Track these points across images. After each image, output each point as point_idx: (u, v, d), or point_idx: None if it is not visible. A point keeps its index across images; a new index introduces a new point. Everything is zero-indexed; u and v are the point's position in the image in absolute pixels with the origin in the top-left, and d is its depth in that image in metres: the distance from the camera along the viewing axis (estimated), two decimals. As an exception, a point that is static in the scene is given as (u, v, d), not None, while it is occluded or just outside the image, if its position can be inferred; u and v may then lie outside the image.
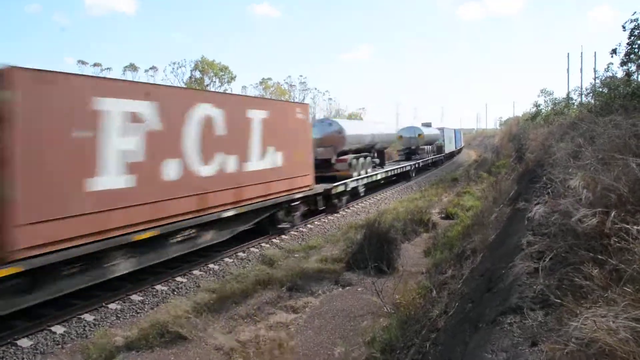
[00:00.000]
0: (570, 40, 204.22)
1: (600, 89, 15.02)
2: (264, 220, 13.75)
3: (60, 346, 7.57)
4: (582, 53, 30.51)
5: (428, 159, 37.49)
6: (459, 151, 60.94)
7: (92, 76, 10.61)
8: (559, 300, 3.08)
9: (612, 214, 3.48)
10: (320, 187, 16.89)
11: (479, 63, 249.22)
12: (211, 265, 11.57)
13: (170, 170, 9.74)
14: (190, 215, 10.27)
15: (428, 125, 44.35)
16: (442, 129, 46.22)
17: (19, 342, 7.45)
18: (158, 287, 10.02)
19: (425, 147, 37.43)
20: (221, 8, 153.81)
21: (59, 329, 7.97)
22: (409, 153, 35.83)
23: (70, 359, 7.03)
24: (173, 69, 63.12)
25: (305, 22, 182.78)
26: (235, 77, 63.07)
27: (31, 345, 7.46)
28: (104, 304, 8.97)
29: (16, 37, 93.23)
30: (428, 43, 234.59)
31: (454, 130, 57.91)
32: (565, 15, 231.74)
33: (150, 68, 63.83)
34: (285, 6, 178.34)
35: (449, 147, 48.29)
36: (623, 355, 2.31)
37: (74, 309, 8.59)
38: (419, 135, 36.38)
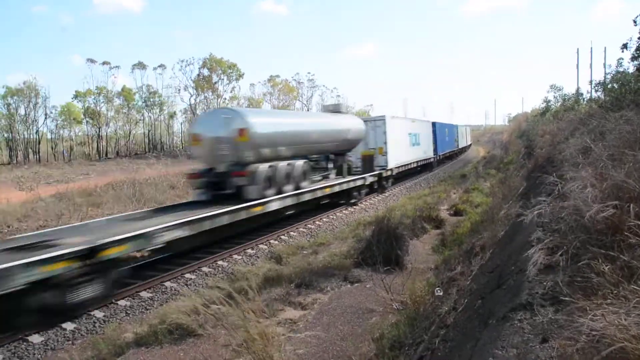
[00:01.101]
0: (578, 34, 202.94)
1: (611, 85, 14.90)
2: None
3: (70, 342, 7.63)
4: (591, 49, 30.22)
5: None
6: (453, 154, 46.42)
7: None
8: (569, 297, 3.06)
9: (631, 208, 3.45)
10: None
11: (486, 58, 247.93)
12: (220, 262, 11.62)
13: None
14: None
15: (334, 109, 22.45)
16: (380, 120, 24.79)
17: (30, 338, 7.53)
18: (167, 283, 10.08)
19: (267, 166, 14.36)
20: (227, 5, 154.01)
21: (69, 325, 8.03)
22: (214, 186, 14.15)
23: (81, 355, 7.07)
24: (181, 66, 63.45)
25: (310, 19, 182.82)
26: (243, 74, 63.34)
27: (42, 341, 7.53)
28: (113, 301, 9.03)
29: (23, 37, 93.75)
30: (433, 39, 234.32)
31: (433, 124, 37.25)
32: (572, 7, 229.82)
33: (159, 66, 64.20)
34: (290, 2, 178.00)
35: (404, 156, 27.12)
36: (634, 351, 2.29)
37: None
38: (241, 134, 13.73)
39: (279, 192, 14.75)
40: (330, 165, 20.32)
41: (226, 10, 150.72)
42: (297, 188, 15.74)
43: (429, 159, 34.62)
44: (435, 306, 6.24)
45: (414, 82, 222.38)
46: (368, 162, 22.23)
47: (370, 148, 23.55)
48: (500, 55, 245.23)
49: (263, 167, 14.14)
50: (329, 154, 20.33)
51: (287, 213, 15.67)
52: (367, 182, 21.27)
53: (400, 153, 26.23)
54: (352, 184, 19.60)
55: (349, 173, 21.00)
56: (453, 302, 5.83)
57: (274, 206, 14.11)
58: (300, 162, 16.35)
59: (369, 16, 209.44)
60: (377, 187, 23.19)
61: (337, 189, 18.27)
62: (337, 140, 19.78)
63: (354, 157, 22.37)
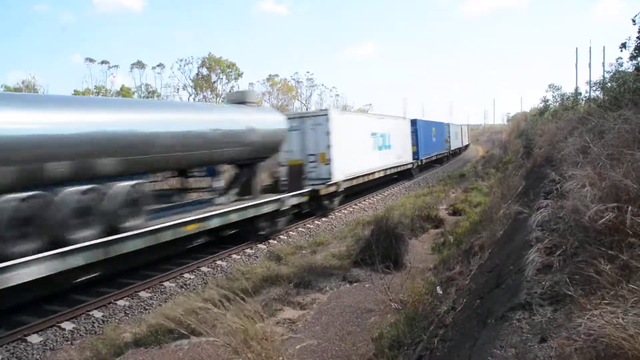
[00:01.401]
0: (578, 34, 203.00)
1: (610, 84, 14.91)
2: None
3: (69, 342, 7.63)
4: (590, 48, 30.16)
5: None
6: (442, 158, 40.37)
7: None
8: (568, 296, 3.06)
9: (629, 210, 3.45)
10: None
11: (486, 58, 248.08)
12: (219, 262, 11.61)
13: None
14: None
15: (239, 99, 14.69)
16: (321, 116, 18.19)
17: (28, 338, 7.52)
18: (166, 283, 10.07)
19: (18, 199, 7.47)
20: (227, 5, 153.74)
21: (68, 326, 8.03)
22: None
23: (80, 355, 7.07)
24: (180, 66, 63.27)
25: (310, 19, 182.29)
26: (242, 73, 63.12)
27: (41, 341, 7.52)
28: (112, 301, 9.03)
29: (23, 35, 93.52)
30: (432, 39, 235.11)
31: (413, 122, 31.04)
32: (571, 7, 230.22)
33: (158, 65, 63.88)
34: (290, 2, 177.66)
35: (362, 164, 20.67)
36: (632, 351, 2.29)
37: (83, 305, 8.65)
38: None
39: (55, 244, 8.01)
40: (220, 184, 13.67)
41: (226, 10, 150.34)
42: (114, 231, 9.08)
43: (406, 164, 27.98)
44: (434, 306, 6.25)
45: (414, 82, 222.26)
46: (295, 176, 16.26)
47: (310, 154, 17.65)
48: (499, 55, 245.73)
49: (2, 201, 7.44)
50: (218, 166, 13.47)
51: (79, 280, 8.91)
52: (287, 206, 14.43)
53: (354, 160, 19.60)
54: (253, 212, 12.87)
55: (275, 190, 15.65)
56: (452, 301, 5.84)
57: (20, 277, 7.27)
58: (121, 186, 9.38)
59: (369, 16, 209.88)
60: (314, 209, 17.06)
61: (216, 222, 11.61)
62: (231, 146, 12.54)
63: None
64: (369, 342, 6.24)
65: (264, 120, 14.47)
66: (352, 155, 19.31)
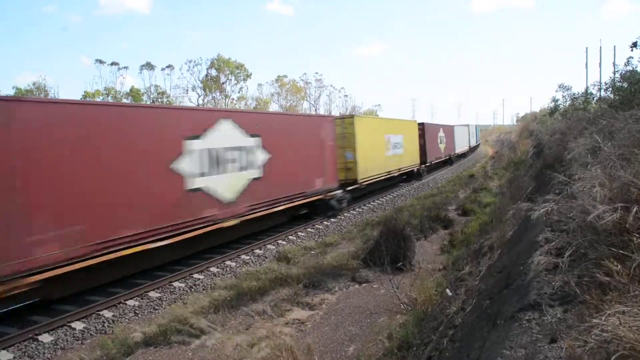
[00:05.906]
0: (588, 33, 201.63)
1: (620, 84, 14.77)
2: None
3: (80, 342, 7.69)
4: (600, 47, 29.85)
5: None
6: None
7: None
8: (579, 297, 3.04)
9: (634, 210, 3.42)
10: None
11: (495, 58, 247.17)
12: (228, 262, 11.65)
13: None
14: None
15: None
16: None
17: (40, 338, 7.59)
18: (176, 283, 10.11)
19: None
20: (234, 5, 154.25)
21: (78, 325, 8.09)
22: None
23: (90, 355, 7.12)
24: (189, 67, 63.51)
25: (317, 18, 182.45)
26: (251, 74, 63.33)
27: (52, 340, 7.59)
28: (122, 301, 9.09)
29: (33, 38, 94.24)
30: (442, 39, 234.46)
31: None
32: (581, 6, 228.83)
33: (167, 67, 64.18)
34: (296, 2, 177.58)
35: None
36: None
37: (93, 305, 8.71)
38: None
39: None
40: None
41: (233, 11, 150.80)
42: None
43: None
44: (443, 307, 6.23)
45: (423, 82, 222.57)
46: None
47: None
48: (509, 56, 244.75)
49: None
50: None
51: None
52: None
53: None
54: None
55: None
56: (461, 302, 5.81)
57: None
58: None
59: (377, 15, 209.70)
60: None
61: None
62: None
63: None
64: (378, 343, 6.24)
65: None
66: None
